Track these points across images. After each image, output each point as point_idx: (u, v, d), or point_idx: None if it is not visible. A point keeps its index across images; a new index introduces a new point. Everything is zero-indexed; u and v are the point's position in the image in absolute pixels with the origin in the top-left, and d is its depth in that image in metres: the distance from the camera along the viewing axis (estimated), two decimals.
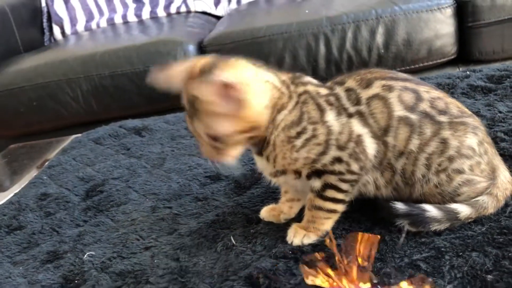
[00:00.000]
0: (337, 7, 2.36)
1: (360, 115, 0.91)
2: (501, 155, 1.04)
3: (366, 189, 0.95)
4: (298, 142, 0.90)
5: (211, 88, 0.83)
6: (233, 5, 3.05)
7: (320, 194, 0.92)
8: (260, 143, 0.93)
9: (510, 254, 0.79)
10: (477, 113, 1.30)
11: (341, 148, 0.90)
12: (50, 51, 2.75)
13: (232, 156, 0.92)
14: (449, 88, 1.52)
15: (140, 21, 3.06)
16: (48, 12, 3.13)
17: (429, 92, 0.93)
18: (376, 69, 0.97)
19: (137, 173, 1.35)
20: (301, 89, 0.93)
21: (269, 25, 2.29)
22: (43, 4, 3.11)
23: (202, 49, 2.34)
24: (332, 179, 0.91)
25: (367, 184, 0.94)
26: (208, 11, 3.01)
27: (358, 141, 0.90)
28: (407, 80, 0.95)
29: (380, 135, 0.91)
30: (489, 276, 0.76)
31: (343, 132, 0.90)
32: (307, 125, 0.90)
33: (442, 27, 2.17)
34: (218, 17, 2.99)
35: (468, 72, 1.61)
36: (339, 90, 0.93)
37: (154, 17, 3.05)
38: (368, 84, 0.92)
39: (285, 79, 0.94)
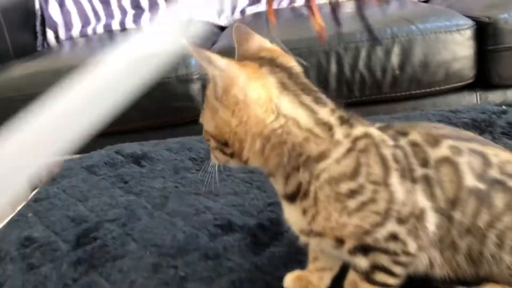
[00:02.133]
0: (350, 24, 2.24)
1: (427, 181, 0.73)
2: None
3: (416, 268, 0.79)
4: (352, 204, 0.72)
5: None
6: (237, 15, 2.92)
7: (367, 277, 0.76)
8: (292, 186, 0.75)
9: None
10: None
11: (401, 222, 0.72)
12: (42, 58, 2.58)
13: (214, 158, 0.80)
14: (486, 126, 1.37)
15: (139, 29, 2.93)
16: (42, 16, 2.96)
17: (497, 156, 0.77)
18: (439, 124, 0.81)
19: (136, 215, 1.18)
20: (358, 130, 0.74)
21: None
22: (37, 7, 2.95)
23: None
24: (384, 260, 0.74)
25: (419, 263, 0.78)
26: (211, 20, 2.85)
27: (420, 216, 0.73)
28: (473, 141, 0.79)
29: (446, 209, 0.75)
30: None
31: (406, 203, 0.72)
32: (366, 183, 0.71)
33: (460, 50, 2.07)
34: (220, 27, 2.85)
35: (504, 107, 1.47)
36: (404, 143, 0.75)
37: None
38: (435, 142, 0.75)
39: (327, 118, 0.75)
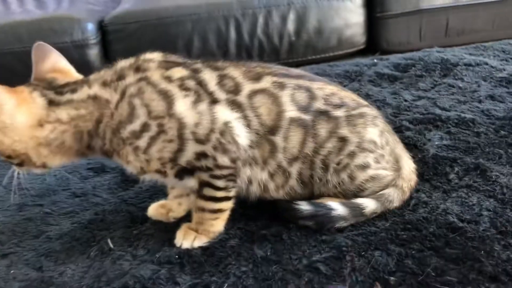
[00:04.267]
0: None
1: (234, 104, 0.79)
2: (406, 144, 0.99)
3: (250, 190, 0.84)
4: (142, 142, 0.77)
5: None
6: None
7: (199, 194, 0.81)
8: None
9: (413, 252, 0.73)
10: (383, 101, 1.26)
11: (201, 141, 0.77)
12: None
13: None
14: (356, 76, 1.47)
15: None
16: None
17: (322, 89, 0.85)
18: (268, 64, 0.87)
19: (7, 164, 1.15)
20: (130, 79, 0.79)
21: (177, 5, 2.12)
22: None
23: (103, 28, 2.13)
24: (204, 176, 0.80)
25: (249, 185, 0.83)
26: None
27: (225, 130, 0.78)
28: (301, 77, 0.86)
29: (263, 132, 0.80)
30: (391, 278, 0.69)
31: (200, 123, 0.77)
32: (149, 120, 0.77)
33: (352, 17, 2.14)
34: None
35: (375, 60, 1.58)
36: (208, 75, 0.80)
37: None
38: (256, 78, 0.82)
39: (82, 97, 0.79)
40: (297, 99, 0.82)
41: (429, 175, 0.93)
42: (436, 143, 1.03)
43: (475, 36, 2.06)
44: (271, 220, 0.84)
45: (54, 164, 0.82)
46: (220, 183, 0.80)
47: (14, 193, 1.00)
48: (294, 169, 0.83)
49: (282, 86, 0.82)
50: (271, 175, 0.83)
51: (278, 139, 0.81)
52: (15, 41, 2.05)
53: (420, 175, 0.92)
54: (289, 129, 0.81)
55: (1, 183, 1.07)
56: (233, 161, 0.79)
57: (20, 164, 0.82)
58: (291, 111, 0.81)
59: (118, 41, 2.05)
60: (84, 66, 2.19)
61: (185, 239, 0.82)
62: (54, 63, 0.85)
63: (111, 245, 0.83)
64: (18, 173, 0.86)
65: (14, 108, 0.76)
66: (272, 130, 0.80)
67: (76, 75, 0.86)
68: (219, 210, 0.82)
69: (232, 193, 0.82)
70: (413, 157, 0.94)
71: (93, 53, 2.07)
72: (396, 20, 2.17)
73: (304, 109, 0.82)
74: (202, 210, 0.82)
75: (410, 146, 1.02)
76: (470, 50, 1.61)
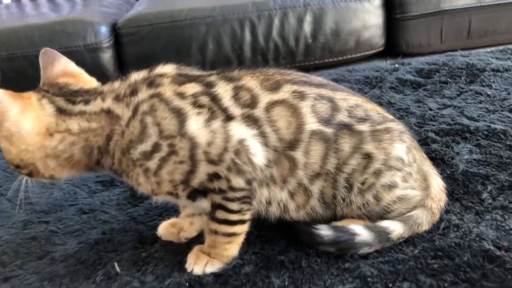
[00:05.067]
0: None
1: (250, 119, 0.73)
2: (432, 158, 0.93)
3: (269, 211, 0.79)
4: (152, 164, 0.72)
5: None
6: None
7: (212, 216, 0.76)
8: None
9: (445, 284, 0.67)
10: (407, 110, 1.20)
11: (213, 162, 0.72)
12: None
13: None
14: (377, 82, 1.41)
15: None
16: None
17: (346, 100, 0.79)
18: (288, 71, 0.81)
19: (15, 176, 1.11)
20: (142, 95, 0.74)
21: (191, 8, 2.09)
22: None
23: (116, 31, 2.11)
24: (217, 198, 0.74)
25: (268, 206, 0.78)
26: None
27: (240, 149, 0.72)
28: (322, 86, 0.80)
29: (283, 149, 0.75)
30: None
31: (213, 142, 0.71)
32: (159, 140, 0.72)
33: (370, 18, 2.09)
34: None
35: (396, 65, 1.52)
36: (223, 88, 0.75)
37: None
38: (275, 87, 0.76)
39: (96, 108, 0.75)
40: (318, 111, 0.76)
41: (459, 194, 0.87)
42: (466, 157, 0.97)
43: (498, 38, 2.01)
44: (289, 244, 0.79)
45: (62, 177, 0.79)
46: (234, 205, 0.74)
47: (19, 207, 0.97)
48: (316, 188, 0.77)
49: (302, 96, 0.76)
50: (291, 194, 0.77)
51: (299, 154, 0.75)
52: (29, 45, 2.06)
53: (450, 193, 0.86)
54: (310, 143, 0.75)
55: (6, 196, 1.04)
56: (248, 182, 0.73)
57: (29, 175, 0.78)
58: (312, 124, 0.75)
59: (132, 44, 2.04)
60: (97, 70, 2.20)
61: (197, 264, 0.76)
62: (65, 67, 0.81)
63: (118, 270, 0.78)
64: (26, 181, 0.82)
65: (19, 115, 0.72)
66: (292, 144, 0.75)
67: (87, 78, 0.82)
68: (233, 234, 0.77)
69: (247, 216, 0.76)
70: (441, 173, 0.88)
71: (106, 56, 2.07)
72: (416, 22, 2.12)
73: (326, 121, 0.76)
74: (215, 233, 0.76)
75: (437, 160, 0.96)
76: (497, 54, 1.53)
